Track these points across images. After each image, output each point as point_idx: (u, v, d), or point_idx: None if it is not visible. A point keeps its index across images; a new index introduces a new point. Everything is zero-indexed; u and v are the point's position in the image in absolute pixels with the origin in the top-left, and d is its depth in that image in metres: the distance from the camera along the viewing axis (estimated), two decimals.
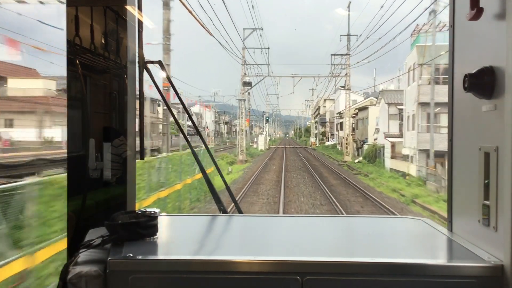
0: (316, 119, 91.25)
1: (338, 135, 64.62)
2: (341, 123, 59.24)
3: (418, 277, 1.45)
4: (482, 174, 1.55)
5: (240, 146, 40.43)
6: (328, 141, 78.32)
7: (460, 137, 1.79)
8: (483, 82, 1.50)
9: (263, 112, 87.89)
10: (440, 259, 1.61)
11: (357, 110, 51.19)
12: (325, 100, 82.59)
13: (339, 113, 62.09)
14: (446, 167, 1.94)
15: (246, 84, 41.79)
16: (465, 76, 1.55)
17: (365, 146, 43.69)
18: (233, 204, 2.61)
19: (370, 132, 44.21)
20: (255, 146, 63.97)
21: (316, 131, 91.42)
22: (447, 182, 1.89)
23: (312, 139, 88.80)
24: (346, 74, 45.08)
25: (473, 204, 1.61)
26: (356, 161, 39.05)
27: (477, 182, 1.58)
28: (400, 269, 1.46)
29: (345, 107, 45.64)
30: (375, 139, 41.13)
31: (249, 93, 52.27)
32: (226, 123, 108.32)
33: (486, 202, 1.52)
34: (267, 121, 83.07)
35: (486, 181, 1.53)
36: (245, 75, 41.89)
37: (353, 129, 51.77)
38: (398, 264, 1.48)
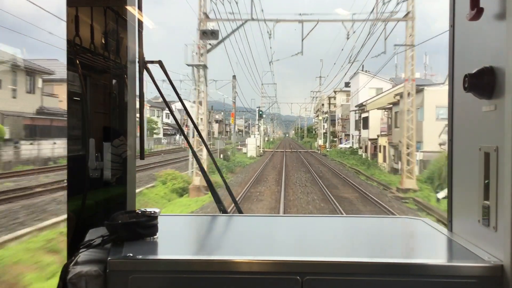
0: (326, 115, 70.44)
1: (360, 135, 46.08)
2: (365, 119, 42.44)
3: (418, 277, 1.45)
4: (482, 174, 1.55)
5: (195, 159, 9.85)
6: (341, 143, 60.51)
7: (460, 137, 1.79)
8: (483, 82, 1.50)
9: (258, 107, 63.69)
10: (440, 259, 1.60)
11: (397, 98, 29.33)
12: (334, 92, 65.60)
13: (361, 105, 44.47)
14: (446, 167, 1.94)
15: (207, 35, 20.17)
16: (465, 76, 1.55)
17: (418, 155, 24.30)
18: (233, 204, 2.61)
19: (427, 133, 25.92)
20: (244, 150, 45.69)
21: (324, 131, 71.37)
22: (447, 182, 1.89)
23: (320, 141, 68.58)
24: (407, 14, 21.15)
25: (473, 204, 1.61)
26: (440, 196, 17.28)
27: (477, 182, 1.58)
28: (400, 269, 1.46)
29: (406, 76, 22.24)
30: (441, 145, 22.03)
31: (234, 76, 39.66)
32: (219, 121, 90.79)
33: (486, 202, 1.52)
34: (260, 116, 60.66)
35: (486, 181, 1.53)
36: (207, 18, 20.90)
37: (389, 127, 32.97)
38: (398, 264, 1.48)
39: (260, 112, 60.19)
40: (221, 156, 33.15)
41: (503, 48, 1.42)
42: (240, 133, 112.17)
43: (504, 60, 1.42)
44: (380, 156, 36.08)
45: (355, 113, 49.92)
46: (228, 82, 42.28)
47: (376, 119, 38.23)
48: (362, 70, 43.81)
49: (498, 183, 1.46)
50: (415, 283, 1.44)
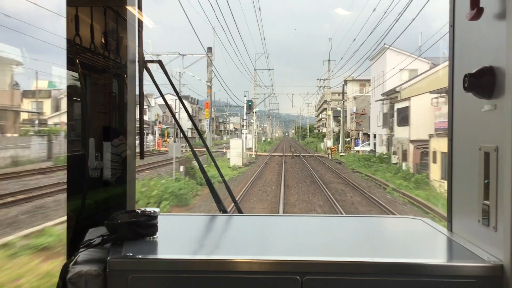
0: (339, 108, 54.22)
1: (391, 135, 33.39)
2: (402, 112, 29.60)
3: (418, 277, 1.45)
4: (482, 174, 1.55)
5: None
6: (357, 144, 46.83)
7: (460, 137, 1.79)
8: (483, 82, 1.50)
9: (250, 101, 44.20)
10: (440, 259, 1.61)
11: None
12: (345, 82, 51.22)
13: (392, 92, 32.44)
14: (446, 167, 1.94)
15: None
16: (465, 76, 1.55)
17: None
18: (233, 204, 2.61)
19: None
20: (228, 156, 31.78)
21: (333, 128, 56.09)
22: (447, 182, 1.89)
23: (329, 142, 51.96)
24: None
25: (473, 204, 1.61)
26: None
27: (477, 182, 1.58)
28: (400, 269, 1.47)
29: None
30: None
31: (210, 49, 28.87)
32: (211, 119, 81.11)
33: (486, 202, 1.52)
34: (250, 107, 42.09)
35: (486, 181, 1.53)
36: None
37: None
38: (398, 264, 1.48)
39: (250, 103, 41.18)
40: (181, 169, 20.20)
41: (503, 48, 1.42)
42: (236, 132, 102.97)
43: (504, 60, 1.42)
44: (434, 168, 22.56)
45: (383, 104, 35.34)
46: (201, 57, 29.35)
47: (424, 110, 25.34)
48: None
49: (498, 183, 1.46)
50: (415, 283, 1.44)
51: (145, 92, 2.42)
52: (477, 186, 1.58)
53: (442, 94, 23.29)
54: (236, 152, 30.23)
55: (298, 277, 1.45)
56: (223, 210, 2.33)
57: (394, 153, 31.30)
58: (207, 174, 2.45)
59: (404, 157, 28.14)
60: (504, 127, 1.41)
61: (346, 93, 51.55)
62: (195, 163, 20.46)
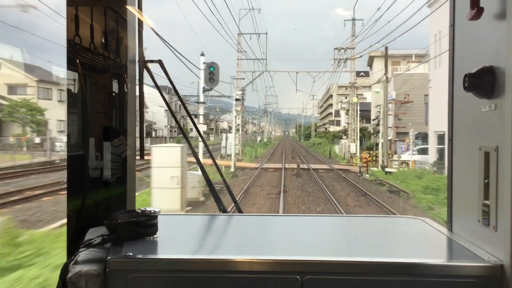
0: (376, 90, 34.90)
1: None
2: None
3: (418, 277, 1.45)
4: (482, 174, 1.55)
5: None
6: (396, 152, 30.89)
7: (460, 137, 1.79)
8: (483, 82, 1.50)
9: (212, 66, 17.65)
10: (440, 259, 1.60)
11: None
12: (372, 59, 38.34)
13: None
14: (446, 167, 1.94)
15: None
16: (465, 76, 1.56)
17: None
18: (233, 203, 2.62)
19: None
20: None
21: (350, 124, 40.03)
22: (447, 182, 1.89)
23: (352, 145, 36.42)
24: None
25: (473, 204, 1.61)
26: None
27: (477, 182, 1.58)
28: (400, 269, 1.47)
29: None
30: None
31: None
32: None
33: (486, 202, 1.52)
34: (210, 76, 17.42)
35: (486, 181, 1.53)
36: None
37: None
38: (398, 264, 1.48)
39: (212, 69, 17.74)
40: None
41: (503, 48, 1.42)
42: (231, 131, 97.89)
43: (504, 60, 1.42)
44: None
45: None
46: None
47: None
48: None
49: (498, 182, 1.46)
50: (415, 283, 1.44)
51: None
52: (477, 186, 1.58)
53: None
54: (168, 178, 12.55)
55: (298, 277, 1.45)
56: (223, 210, 2.33)
57: None
58: (206, 172, 2.45)
59: None
60: (504, 127, 1.41)
61: (374, 59, 38.67)
62: None
